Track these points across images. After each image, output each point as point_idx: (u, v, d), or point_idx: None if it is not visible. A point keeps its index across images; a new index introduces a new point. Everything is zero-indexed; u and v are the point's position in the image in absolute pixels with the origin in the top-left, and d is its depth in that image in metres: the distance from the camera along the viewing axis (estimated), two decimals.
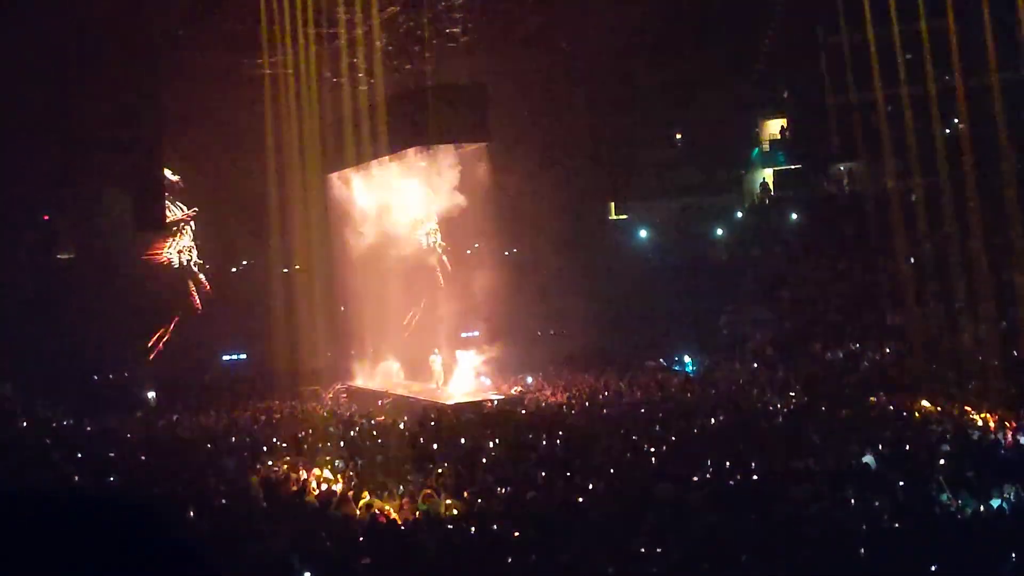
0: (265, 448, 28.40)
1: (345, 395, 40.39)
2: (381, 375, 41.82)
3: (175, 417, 35.75)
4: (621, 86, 43.84)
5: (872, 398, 29.35)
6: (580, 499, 20.07)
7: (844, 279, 37.82)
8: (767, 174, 46.50)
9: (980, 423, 25.31)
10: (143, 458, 26.34)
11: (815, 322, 36.66)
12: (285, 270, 42.91)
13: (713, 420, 27.80)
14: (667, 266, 43.26)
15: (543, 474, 22.22)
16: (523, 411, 32.82)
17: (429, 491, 20.65)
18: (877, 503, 18.16)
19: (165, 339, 42.81)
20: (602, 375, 37.63)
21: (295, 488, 22.83)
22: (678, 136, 44.28)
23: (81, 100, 38.90)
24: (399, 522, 19.22)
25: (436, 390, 37.69)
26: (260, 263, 44.74)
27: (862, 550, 15.66)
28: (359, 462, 24.86)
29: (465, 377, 37.70)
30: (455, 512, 19.77)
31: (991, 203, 36.82)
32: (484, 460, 24.45)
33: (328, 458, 25.73)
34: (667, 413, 29.40)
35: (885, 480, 19.93)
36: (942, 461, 21.06)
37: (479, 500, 20.34)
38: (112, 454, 27.27)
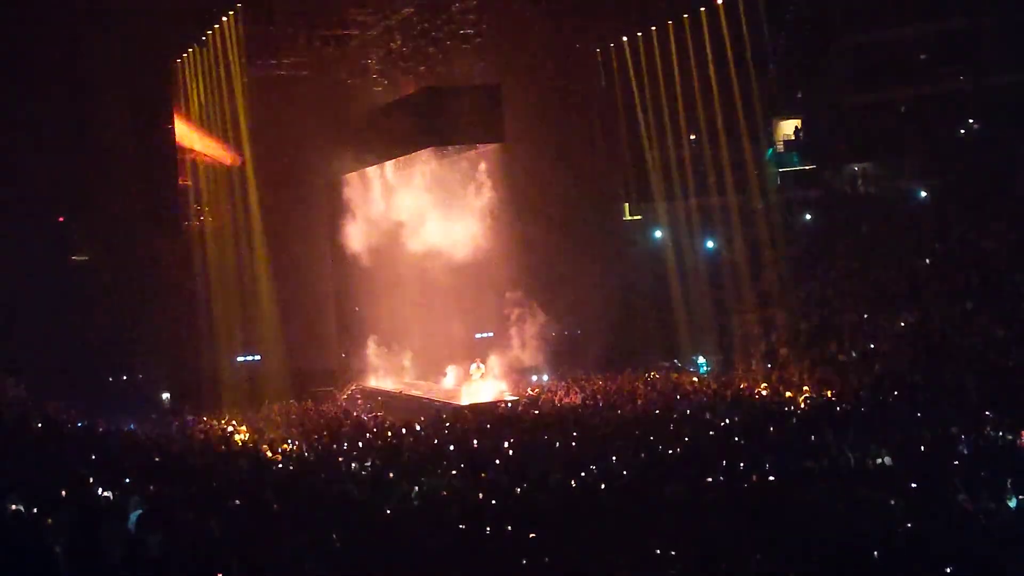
0: (279, 449, 28.50)
1: (359, 396, 40.45)
2: (396, 376, 41.91)
3: (189, 418, 35.89)
4: (635, 87, 43.71)
5: (887, 398, 29.26)
6: (594, 500, 20.04)
7: (858, 279, 37.70)
8: (781, 174, 46.39)
9: (996, 423, 25.17)
10: (156, 459, 26.36)
11: (829, 322, 36.54)
12: None
13: (727, 421, 27.73)
14: (681, 266, 43.15)
15: (557, 475, 22.19)
16: (537, 412, 32.81)
17: None
18: (892, 503, 18.10)
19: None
20: (617, 376, 37.60)
21: (308, 488, 22.86)
22: (692, 137, 44.21)
23: (96, 101, 39.01)
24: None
25: (452, 391, 37.76)
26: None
27: (876, 552, 15.62)
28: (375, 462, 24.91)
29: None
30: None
31: (1005, 202, 36.71)
32: (498, 461, 24.45)
33: (341, 460, 25.81)
34: (681, 414, 29.35)
35: (900, 481, 19.85)
36: (957, 461, 20.98)
37: (493, 501, 20.32)
38: (126, 456, 27.29)
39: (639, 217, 47.55)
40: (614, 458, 23.52)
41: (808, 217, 43.63)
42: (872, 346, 34.23)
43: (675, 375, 37.13)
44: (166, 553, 14.53)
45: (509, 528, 17.84)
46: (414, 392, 39.19)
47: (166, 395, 40.40)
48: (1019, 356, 29.85)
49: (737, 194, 43.32)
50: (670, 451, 24.30)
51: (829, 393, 31.07)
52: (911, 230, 38.72)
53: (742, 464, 21.95)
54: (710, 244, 43.45)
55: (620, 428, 27.79)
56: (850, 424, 25.87)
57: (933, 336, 32.77)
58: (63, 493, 18.47)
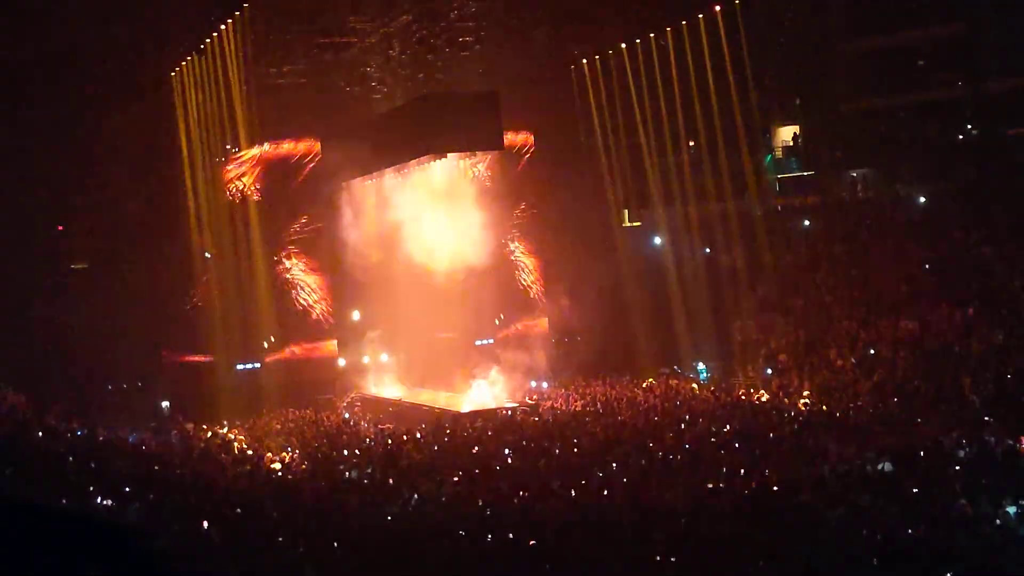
0: (279, 457, 28.50)
1: (359, 404, 40.39)
2: (395, 383, 41.85)
3: (189, 426, 35.83)
4: (634, 93, 43.71)
5: (886, 405, 29.25)
6: (595, 506, 20.04)
7: (857, 285, 37.67)
8: (780, 180, 46.37)
9: (995, 429, 25.16)
10: (156, 468, 26.37)
11: (828, 329, 36.50)
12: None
13: (727, 427, 27.74)
14: (680, 273, 43.13)
15: (558, 482, 22.19)
16: (538, 419, 32.79)
17: None
18: (892, 509, 18.11)
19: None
20: (617, 382, 37.58)
21: (307, 496, 22.86)
22: (691, 143, 44.22)
23: (96, 108, 39.05)
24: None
25: (452, 398, 37.74)
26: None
27: (876, 558, 15.63)
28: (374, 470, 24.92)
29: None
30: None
31: (1004, 208, 36.70)
32: (499, 468, 24.45)
33: (340, 467, 25.81)
34: (681, 420, 29.34)
35: (900, 487, 19.86)
36: (957, 467, 20.99)
37: (493, 508, 20.32)
38: (126, 465, 27.26)
39: (638, 223, 47.54)
40: (615, 465, 23.54)
41: (807, 223, 43.61)
42: (872, 352, 34.23)
43: (675, 382, 37.08)
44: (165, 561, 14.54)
45: (510, 535, 17.84)
46: (414, 399, 39.13)
47: (166, 404, 40.29)
48: (1018, 362, 29.83)
49: (736, 200, 43.31)
50: (671, 457, 24.31)
51: (829, 399, 31.07)
52: (910, 236, 38.70)
53: (742, 471, 21.98)
54: (709, 250, 43.41)
55: (620, 435, 27.78)
56: (850, 430, 25.91)
57: (932, 342, 32.74)
58: (63, 501, 18.46)
